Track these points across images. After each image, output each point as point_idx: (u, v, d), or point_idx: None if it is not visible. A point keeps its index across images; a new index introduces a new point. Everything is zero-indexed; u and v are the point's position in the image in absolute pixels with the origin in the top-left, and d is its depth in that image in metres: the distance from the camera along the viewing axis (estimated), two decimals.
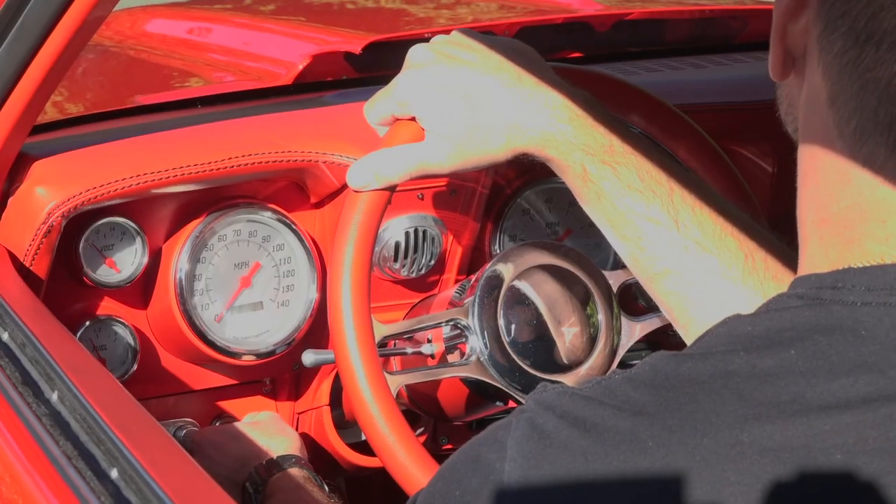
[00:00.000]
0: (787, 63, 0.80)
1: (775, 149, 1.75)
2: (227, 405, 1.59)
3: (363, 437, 1.38)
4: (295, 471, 1.39)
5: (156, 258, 1.48)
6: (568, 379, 1.34)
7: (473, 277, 1.37)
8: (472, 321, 1.32)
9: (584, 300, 1.37)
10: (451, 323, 1.33)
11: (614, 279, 1.40)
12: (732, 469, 0.71)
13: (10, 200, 1.39)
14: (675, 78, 1.75)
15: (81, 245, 1.42)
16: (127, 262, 1.45)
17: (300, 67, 1.70)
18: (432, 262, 1.54)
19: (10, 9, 1.22)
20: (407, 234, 1.52)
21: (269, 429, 1.49)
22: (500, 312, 1.33)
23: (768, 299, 0.79)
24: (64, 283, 1.45)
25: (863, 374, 0.73)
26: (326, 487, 1.39)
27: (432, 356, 1.36)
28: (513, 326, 1.32)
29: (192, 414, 1.56)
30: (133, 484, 0.89)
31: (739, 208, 1.16)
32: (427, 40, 1.20)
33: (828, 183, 0.78)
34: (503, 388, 1.32)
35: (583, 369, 1.35)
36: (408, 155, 1.16)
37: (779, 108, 0.84)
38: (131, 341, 1.47)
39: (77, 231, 1.42)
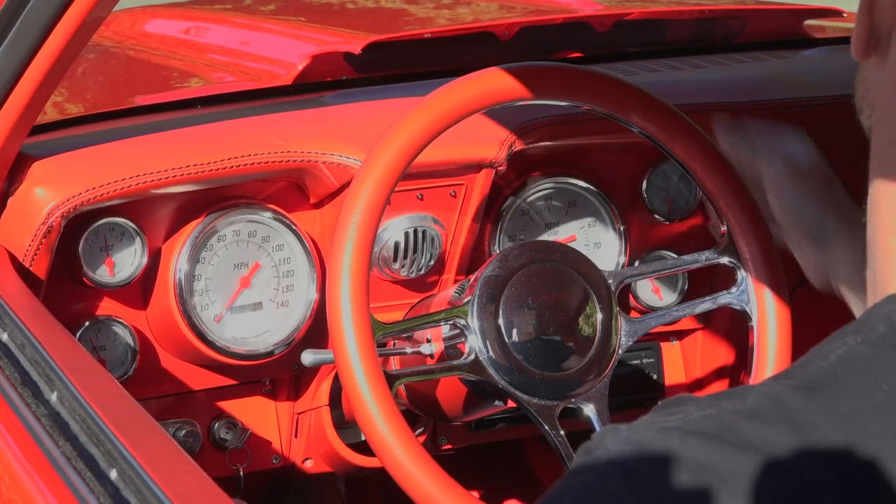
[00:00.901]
0: (871, 41, 0.74)
1: None
2: (226, 405, 1.59)
3: (363, 437, 1.38)
4: None
5: (155, 258, 1.48)
6: (568, 378, 1.33)
7: (472, 277, 1.37)
8: (471, 321, 1.32)
9: (583, 300, 1.36)
10: (451, 322, 1.33)
11: (614, 279, 1.39)
12: None
13: (10, 201, 1.39)
14: (675, 78, 1.74)
15: (81, 245, 1.42)
16: (126, 262, 1.45)
17: (300, 67, 1.70)
18: (432, 263, 1.54)
19: (10, 9, 1.22)
20: (406, 234, 1.52)
21: None
22: (499, 312, 1.33)
23: None
24: (63, 283, 1.45)
25: None
26: None
27: (431, 356, 1.36)
28: (512, 326, 1.32)
29: (191, 414, 1.56)
30: (132, 485, 0.89)
31: (737, 208, 1.14)
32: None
33: None
34: (502, 387, 1.32)
35: (581, 368, 1.35)
36: None
37: (854, 94, 0.79)
38: (131, 341, 1.47)
39: (76, 231, 1.42)
